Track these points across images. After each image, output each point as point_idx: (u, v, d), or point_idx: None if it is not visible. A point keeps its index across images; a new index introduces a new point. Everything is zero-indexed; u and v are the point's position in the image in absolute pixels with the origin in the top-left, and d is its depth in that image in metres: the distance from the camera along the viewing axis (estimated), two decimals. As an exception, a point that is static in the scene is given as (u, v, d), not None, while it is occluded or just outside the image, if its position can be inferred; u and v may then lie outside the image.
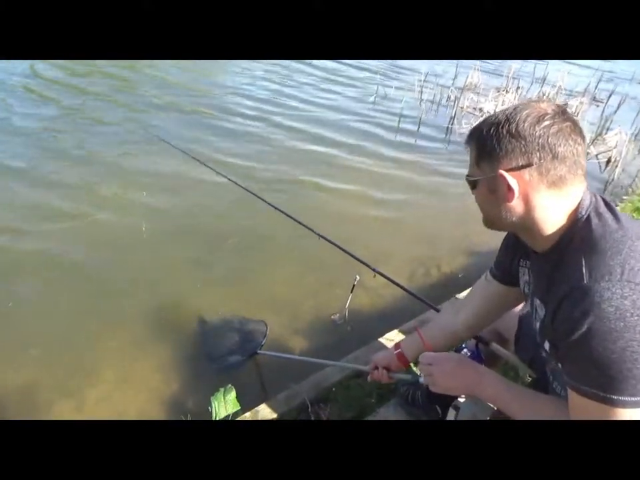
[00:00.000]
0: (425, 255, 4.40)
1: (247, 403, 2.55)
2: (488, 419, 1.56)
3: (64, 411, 2.66)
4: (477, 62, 10.73)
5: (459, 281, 4.00)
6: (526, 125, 1.14)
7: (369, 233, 4.61)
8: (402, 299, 3.51)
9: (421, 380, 1.61)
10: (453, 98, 9.34)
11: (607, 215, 1.18)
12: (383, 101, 9.24)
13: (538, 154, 1.14)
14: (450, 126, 8.25)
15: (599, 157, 7.44)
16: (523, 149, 1.15)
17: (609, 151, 7.55)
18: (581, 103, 9.51)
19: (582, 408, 1.15)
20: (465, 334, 1.84)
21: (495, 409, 1.52)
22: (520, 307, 1.87)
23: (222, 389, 2.59)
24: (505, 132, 1.16)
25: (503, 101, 9.11)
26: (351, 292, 3.29)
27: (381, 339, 2.95)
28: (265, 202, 3.40)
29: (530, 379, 1.97)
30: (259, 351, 2.94)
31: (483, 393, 1.45)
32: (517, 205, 1.21)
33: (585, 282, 1.08)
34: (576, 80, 11.41)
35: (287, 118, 7.50)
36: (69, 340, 3.08)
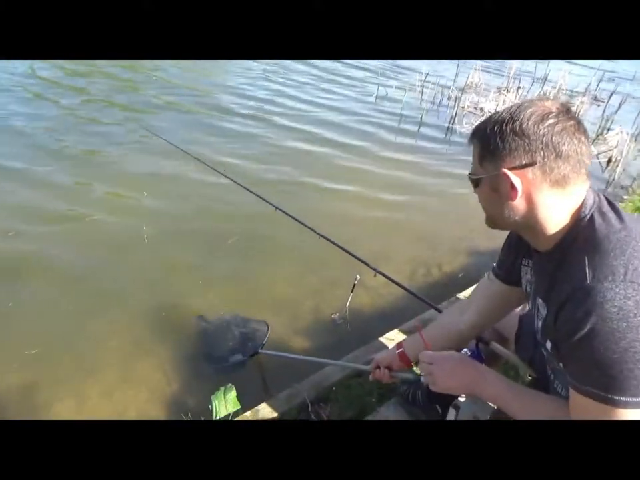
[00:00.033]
0: (425, 254, 4.41)
1: (247, 402, 2.55)
2: (488, 418, 1.56)
3: (64, 410, 2.66)
4: (478, 61, 10.73)
5: (459, 280, 4.00)
6: (530, 123, 1.13)
7: (369, 232, 4.61)
8: (402, 299, 3.51)
9: (423, 379, 1.60)
10: (453, 97, 9.35)
11: (611, 215, 1.18)
12: (383, 100, 9.25)
13: (541, 152, 1.13)
14: (451, 125, 8.26)
15: (600, 156, 7.45)
16: (527, 148, 1.14)
17: (610, 150, 7.55)
18: (582, 102, 9.52)
19: (583, 408, 1.15)
20: (469, 333, 1.83)
21: (495, 408, 1.52)
22: (520, 306, 1.87)
23: (222, 388, 2.60)
24: (508, 130, 1.15)
25: (504, 100, 9.12)
26: (352, 291, 3.29)
27: (381, 339, 2.95)
28: (266, 201, 3.40)
29: (530, 378, 1.97)
30: (260, 350, 2.93)
31: (483, 392, 1.44)
32: (519, 204, 1.20)
33: (588, 282, 1.08)
34: (577, 79, 11.42)
35: (288, 118, 7.51)
36: (69, 340, 3.08)
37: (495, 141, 1.18)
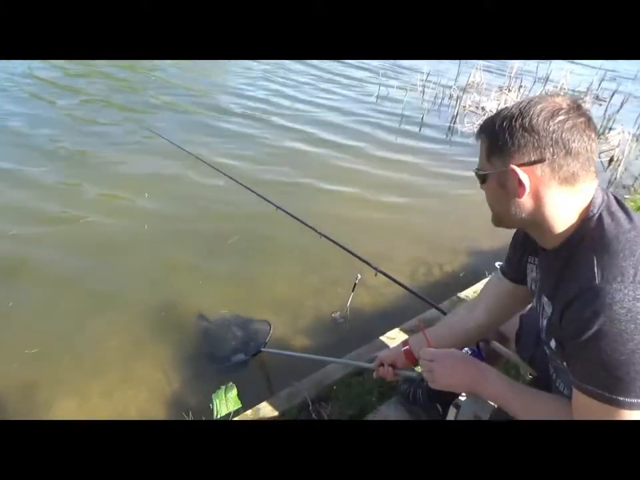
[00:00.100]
0: (426, 254, 4.40)
1: (248, 401, 2.56)
2: (489, 417, 1.56)
3: (64, 410, 2.66)
4: (480, 61, 10.72)
5: (460, 279, 4.00)
6: (540, 119, 1.12)
7: (370, 232, 4.61)
8: (403, 298, 3.51)
9: (423, 376, 1.59)
10: (455, 97, 9.34)
11: (620, 214, 1.17)
12: (384, 101, 9.24)
13: (551, 149, 1.12)
14: (452, 125, 8.25)
15: (602, 155, 7.43)
16: (536, 144, 1.12)
17: (612, 149, 7.54)
18: (584, 101, 9.50)
19: (586, 408, 1.14)
20: (478, 332, 1.82)
21: (496, 407, 1.51)
22: (529, 305, 1.86)
23: (223, 387, 2.60)
24: (518, 126, 1.14)
25: (506, 99, 9.11)
26: (352, 291, 3.29)
27: (382, 338, 2.95)
28: (268, 201, 3.41)
29: (531, 377, 1.97)
30: (262, 349, 2.93)
31: (484, 390, 1.43)
32: (527, 201, 1.19)
33: (597, 283, 1.07)
34: (579, 79, 11.40)
35: (287, 119, 7.49)
36: (69, 339, 3.08)
37: (503, 136, 1.16)
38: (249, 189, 3.58)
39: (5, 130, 6.05)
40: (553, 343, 1.29)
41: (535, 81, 10.90)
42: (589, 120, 1.14)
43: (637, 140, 8.12)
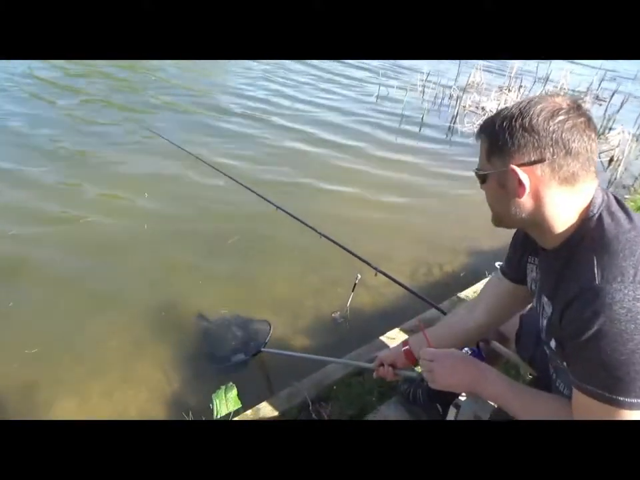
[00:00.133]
0: (426, 254, 4.41)
1: (248, 400, 2.56)
2: (489, 417, 1.56)
3: (65, 410, 2.67)
4: (480, 61, 10.72)
5: (460, 279, 4.00)
6: (540, 119, 1.12)
7: (370, 233, 4.61)
8: (403, 298, 3.51)
9: (423, 376, 1.59)
10: (455, 97, 9.35)
11: (620, 214, 1.17)
12: (384, 101, 9.24)
13: (551, 149, 1.11)
14: (452, 125, 8.25)
15: (602, 155, 7.43)
16: (536, 144, 1.12)
17: (612, 149, 7.54)
18: (584, 101, 9.50)
19: (586, 408, 1.14)
20: (478, 332, 1.81)
21: (496, 407, 1.51)
22: (529, 305, 1.86)
23: (223, 387, 2.61)
24: (518, 126, 1.14)
25: (506, 99, 9.12)
26: (352, 291, 3.29)
27: (382, 338, 2.95)
28: (268, 201, 3.41)
29: (531, 377, 1.97)
30: (262, 349, 2.93)
31: (484, 390, 1.43)
32: (527, 201, 1.18)
33: (597, 283, 1.07)
34: (579, 79, 11.40)
35: (287, 119, 7.49)
36: (70, 339, 3.08)
37: (503, 136, 1.16)
38: (249, 189, 3.58)
39: (5, 130, 6.04)
40: (553, 343, 1.28)
41: (535, 81, 10.91)
42: (589, 120, 1.14)
43: (636, 140, 8.12)
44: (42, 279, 3.58)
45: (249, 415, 2.42)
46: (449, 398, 1.70)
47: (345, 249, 3.02)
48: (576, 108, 1.14)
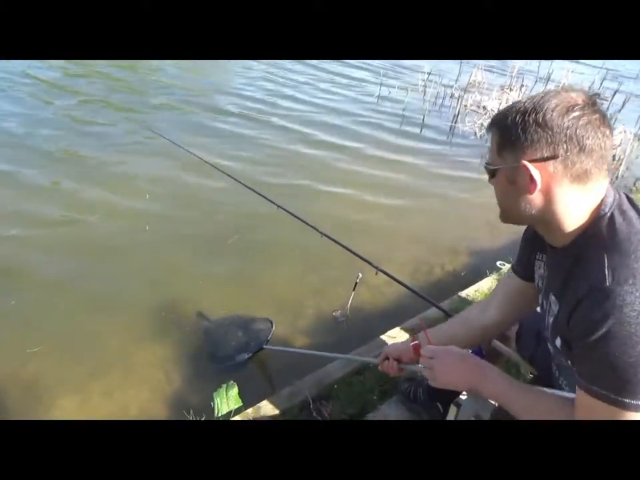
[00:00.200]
0: (427, 253, 4.41)
1: (249, 399, 2.57)
2: (489, 416, 1.56)
3: (65, 409, 2.67)
4: (481, 60, 10.70)
5: (461, 279, 4.00)
6: (554, 114, 1.09)
7: (371, 233, 4.61)
8: (404, 297, 3.50)
9: (424, 374, 1.58)
10: (456, 96, 9.33)
11: (632, 214, 1.15)
12: (385, 101, 9.22)
13: (564, 146, 1.09)
14: (453, 124, 8.24)
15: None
16: (549, 140, 1.10)
17: (613, 149, 7.52)
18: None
19: (590, 408, 1.14)
20: (493, 330, 1.79)
21: (497, 406, 1.51)
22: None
23: (224, 386, 2.61)
24: (531, 121, 1.11)
25: (507, 98, 9.10)
26: (353, 290, 3.29)
27: (383, 336, 2.95)
28: (269, 200, 3.41)
29: (531, 376, 1.97)
30: (265, 346, 2.93)
31: (484, 389, 1.41)
32: (537, 198, 1.17)
33: (607, 284, 1.06)
34: (580, 78, 11.39)
35: (287, 119, 7.45)
36: (71, 339, 3.08)
37: (516, 131, 1.14)
38: (252, 189, 3.58)
39: (2, 130, 5.97)
40: (558, 342, 1.28)
41: (536, 80, 10.88)
42: (604, 116, 1.12)
43: (638, 139, 8.10)
44: (42, 279, 3.57)
45: (249, 413, 2.42)
46: (449, 397, 1.70)
47: (346, 248, 3.02)
48: (591, 104, 1.12)
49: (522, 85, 10.14)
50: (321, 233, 3.11)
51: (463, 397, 1.64)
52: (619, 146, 7.49)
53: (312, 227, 3.16)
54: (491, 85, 10.34)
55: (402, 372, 1.86)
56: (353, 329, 3.38)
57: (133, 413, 2.69)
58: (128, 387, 2.83)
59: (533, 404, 1.33)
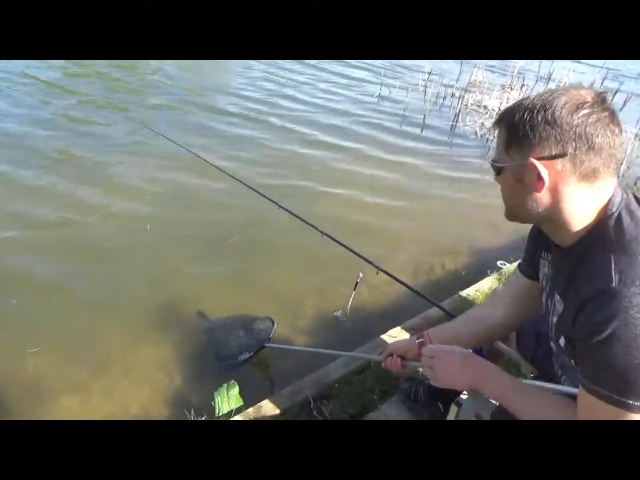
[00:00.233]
0: (428, 253, 4.41)
1: (249, 398, 2.57)
2: (490, 415, 1.56)
3: (66, 409, 2.67)
4: (481, 60, 10.69)
5: (462, 278, 4.00)
6: (563, 112, 1.08)
7: (371, 232, 4.61)
8: (405, 296, 3.51)
9: (425, 374, 1.57)
10: (457, 96, 9.33)
11: (639, 214, 1.15)
12: (385, 101, 9.20)
13: (573, 144, 1.08)
14: (454, 124, 8.23)
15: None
16: (558, 138, 1.08)
17: (614, 148, 7.51)
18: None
19: (593, 409, 1.13)
20: (501, 330, 1.78)
21: (497, 405, 1.51)
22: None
23: (225, 385, 2.61)
24: (540, 118, 1.10)
25: (508, 98, 9.09)
26: (354, 289, 3.29)
27: (383, 336, 2.95)
28: (270, 200, 3.41)
29: (532, 376, 1.97)
30: (266, 344, 2.93)
31: (486, 387, 1.41)
32: (544, 196, 1.15)
33: (614, 285, 1.05)
34: (581, 77, 11.37)
35: (287, 120, 7.43)
36: (71, 339, 3.09)
37: (524, 128, 1.12)
38: (252, 189, 3.58)
39: (0, 131, 5.92)
40: (562, 341, 1.27)
41: (537, 80, 10.87)
42: (613, 114, 1.11)
43: (639, 139, 8.09)
44: (43, 279, 3.58)
45: (250, 412, 2.43)
46: (450, 396, 1.70)
47: (346, 247, 3.02)
48: (600, 102, 1.10)
49: (523, 85, 10.12)
50: (321, 232, 3.11)
51: (464, 396, 1.64)
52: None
53: (313, 226, 3.16)
54: (492, 84, 10.34)
55: (405, 369, 1.84)
56: (353, 328, 3.38)
57: (133, 412, 2.70)
58: (128, 386, 2.84)
59: (535, 404, 1.32)
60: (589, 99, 1.09)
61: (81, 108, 6.93)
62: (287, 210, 3.33)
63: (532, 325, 1.78)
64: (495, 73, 11.78)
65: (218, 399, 2.56)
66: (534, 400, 1.33)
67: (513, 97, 9.15)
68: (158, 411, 2.71)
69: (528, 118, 1.12)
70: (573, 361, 1.25)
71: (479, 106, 9.11)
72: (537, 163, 1.11)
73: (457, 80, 10.22)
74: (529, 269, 1.61)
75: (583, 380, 1.15)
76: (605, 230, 1.14)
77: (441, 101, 9.49)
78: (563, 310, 1.25)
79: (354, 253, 2.99)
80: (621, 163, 7.01)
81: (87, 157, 5.51)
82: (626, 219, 1.13)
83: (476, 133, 8.07)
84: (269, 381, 2.97)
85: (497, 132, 1.23)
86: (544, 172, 1.11)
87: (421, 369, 1.97)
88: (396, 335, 2.94)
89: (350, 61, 11.88)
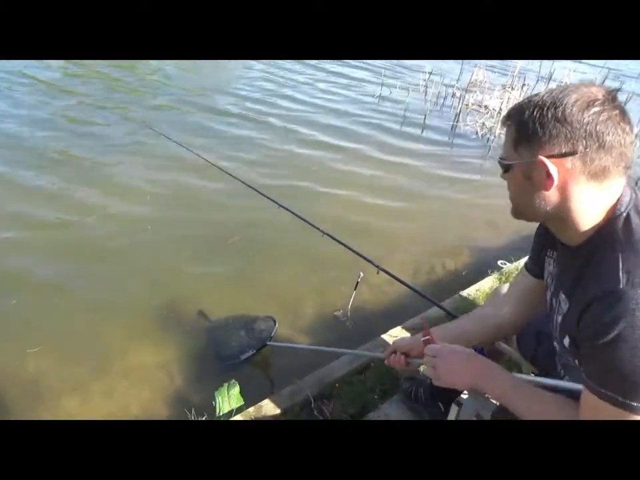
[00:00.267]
0: (428, 253, 4.41)
1: (250, 398, 2.57)
2: (490, 415, 1.55)
3: (66, 409, 2.68)
4: (482, 60, 10.68)
5: (463, 278, 4.00)
6: (574, 109, 1.06)
7: (372, 232, 4.61)
8: (405, 296, 3.50)
9: (427, 373, 1.56)
10: (458, 96, 9.32)
11: None
12: (386, 101, 9.19)
13: (584, 142, 1.06)
14: (455, 124, 8.23)
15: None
16: (569, 135, 1.07)
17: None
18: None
19: (596, 409, 1.13)
20: (507, 329, 1.77)
21: (498, 405, 1.50)
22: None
23: (226, 384, 2.62)
24: (550, 115, 1.08)
25: (509, 98, 9.08)
26: (355, 289, 3.29)
27: (384, 336, 2.95)
28: (271, 199, 3.41)
29: (533, 375, 1.97)
30: (268, 343, 2.94)
31: (487, 386, 1.40)
32: (552, 195, 1.14)
33: (621, 286, 1.04)
34: (582, 77, 11.35)
35: (287, 120, 7.43)
36: (71, 339, 3.09)
37: (534, 125, 1.11)
38: (253, 188, 3.57)
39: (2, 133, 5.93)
40: (566, 341, 1.26)
41: (537, 79, 10.85)
42: (624, 112, 1.10)
43: (640, 139, 8.07)
44: (43, 280, 3.58)
45: (251, 412, 2.43)
46: (451, 396, 1.69)
47: (347, 247, 3.02)
48: (611, 99, 1.09)
49: (524, 84, 10.10)
50: (322, 231, 3.11)
51: (464, 396, 1.64)
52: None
53: (312, 225, 3.15)
54: (493, 84, 10.33)
55: (409, 366, 1.82)
56: (354, 328, 3.39)
57: (134, 412, 2.70)
58: (128, 386, 2.84)
59: (536, 403, 1.31)
60: (600, 96, 1.08)
61: (80, 108, 6.92)
62: (288, 209, 3.32)
63: (533, 324, 1.78)
64: (495, 72, 11.77)
65: (219, 399, 2.56)
66: (535, 399, 1.32)
67: (514, 97, 9.13)
68: (158, 410, 2.71)
69: (538, 115, 1.10)
70: (577, 361, 1.25)
71: (479, 106, 9.11)
72: (546, 160, 1.10)
73: (458, 80, 10.22)
74: (535, 267, 1.59)
75: (587, 381, 1.14)
76: (613, 230, 1.13)
77: (442, 101, 9.49)
78: (568, 309, 1.25)
79: (354, 252, 2.99)
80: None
81: (87, 158, 5.50)
82: (635, 219, 1.12)
83: (477, 132, 8.07)
84: (270, 381, 2.97)
85: (505, 129, 1.22)
86: (553, 170, 1.10)
87: (421, 368, 1.96)
88: (396, 335, 2.94)
89: (350, 61, 11.87)
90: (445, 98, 9.54)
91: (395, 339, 2.85)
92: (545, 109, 1.10)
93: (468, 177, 6.34)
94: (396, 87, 9.97)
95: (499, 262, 3.96)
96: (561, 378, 1.49)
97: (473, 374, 1.42)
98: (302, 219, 3.22)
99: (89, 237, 4.12)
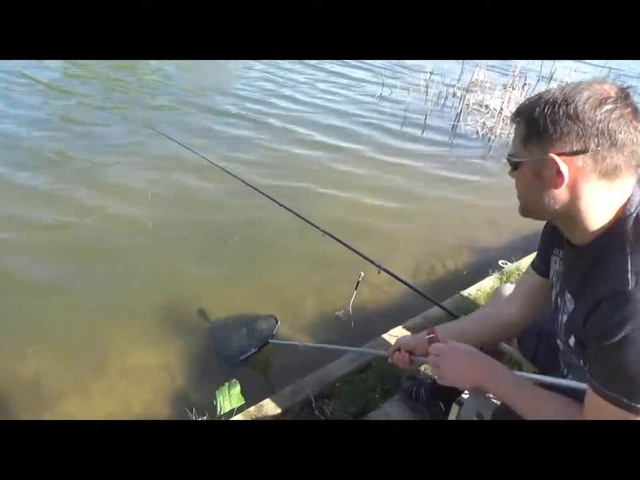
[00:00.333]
0: (429, 252, 4.41)
1: (251, 397, 2.57)
2: (491, 414, 1.55)
3: (67, 408, 2.68)
4: (483, 60, 10.67)
5: (463, 277, 4.00)
6: (586, 107, 1.05)
7: (372, 232, 4.61)
8: (406, 296, 3.50)
9: (430, 372, 1.56)
10: (458, 95, 9.32)
11: None
12: (386, 101, 9.18)
13: (596, 140, 1.05)
14: (456, 123, 8.23)
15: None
16: (580, 133, 1.05)
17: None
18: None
19: (600, 410, 1.12)
20: (513, 328, 1.75)
21: (499, 404, 1.50)
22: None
23: (227, 384, 2.62)
24: (561, 113, 1.07)
25: (510, 97, 9.08)
26: (355, 289, 3.28)
27: (384, 335, 2.95)
28: (271, 199, 3.41)
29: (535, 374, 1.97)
30: (270, 341, 2.94)
31: (490, 385, 1.40)
32: (562, 193, 1.12)
33: (630, 288, 1.03)
34: (583, 77, 11.33)
35: (287, 120, 7.41)
36: (71, 339, 3.09)
37: (545, 122, 1.09)
38: (254, 188, 3.57)
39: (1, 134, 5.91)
40: (572, 340, 1.26)
41: (538, 79, 10.85)
42: (636, 110, 1.09)
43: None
44: (43, 280, 3.58)
45: (252, 411, 2.43)
46: (451, 395, 1.69)
47: (347, 246, 3.01)
48: (624, 97, 1.08)
49: (524, 84, 10.09)
50: (322, 231, 3.10)
51: (465, 395, 1.64)
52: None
53: (313, 224, 3.15)
54: (493, 84, 10.32)
55: (412, 365, 1.80)
56: (355, 327, 3.38)
57: (134, 412, 2.70)
58: (129, 386, 2.84)
59: (538, 402, 1.31)
60: (613, 94, 1.08)
61: (80, 108, 6.91)
62: (288, 208, 3.32)
63: (533, 324, 1.77)
64: (496, 72, 11.76)
65: (220, 398, 2.56)
66: (538, 398, 1.32)
67: (515, 97, 9.13)
68: (159, 410, 2.72)
69: (549, 112, 1.09)
70: (581, 361, 1.24)
71: (480, 105, 9.11)
72: (557, 158, 1.08)
73: (459, 80, 10.21)
74: (541, 265, 1.57)
75: (592, 381, 1.14)
76: (623, 230, 1.11)
77: (442, 100, 9.49)
78: (574, 309, 1.24)
79: (355, 252, 2.99)
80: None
81: (86, 158, 5.49)
82: None
83: (477, 132, 8.06)
84: (270, 380, 2.97)
85: (514, 126, 1.20)
86: (564, 168, 1.08)
87: (423, 368, 1.96)
88: (397, 334, 2.94)
89: (350, 61, 11.85)
90: (446, 98, 9.54)
91: (395, 338, 2.86)
92: (557, 105, 1.08)
93: (469, 177, 6.33)
94: (396, 87, 9.96)
95: (500, 262, 3.96)
96: (564, 377, 1.48)
97: (476, 372, 1.41)
98: (302, 218, 3.21)
99: (88, 237, 4.12)
